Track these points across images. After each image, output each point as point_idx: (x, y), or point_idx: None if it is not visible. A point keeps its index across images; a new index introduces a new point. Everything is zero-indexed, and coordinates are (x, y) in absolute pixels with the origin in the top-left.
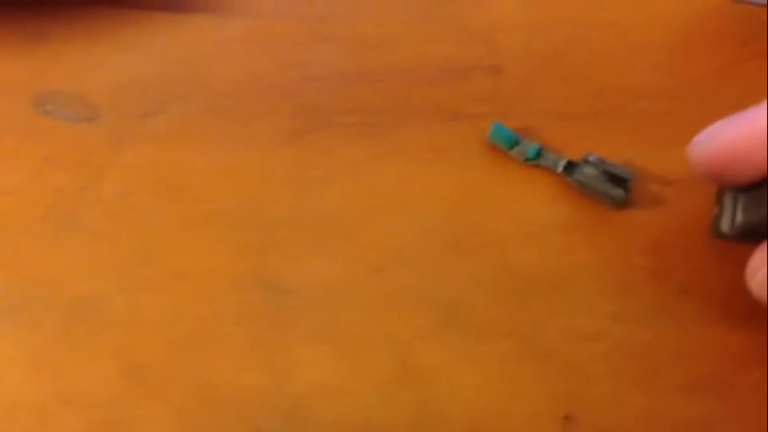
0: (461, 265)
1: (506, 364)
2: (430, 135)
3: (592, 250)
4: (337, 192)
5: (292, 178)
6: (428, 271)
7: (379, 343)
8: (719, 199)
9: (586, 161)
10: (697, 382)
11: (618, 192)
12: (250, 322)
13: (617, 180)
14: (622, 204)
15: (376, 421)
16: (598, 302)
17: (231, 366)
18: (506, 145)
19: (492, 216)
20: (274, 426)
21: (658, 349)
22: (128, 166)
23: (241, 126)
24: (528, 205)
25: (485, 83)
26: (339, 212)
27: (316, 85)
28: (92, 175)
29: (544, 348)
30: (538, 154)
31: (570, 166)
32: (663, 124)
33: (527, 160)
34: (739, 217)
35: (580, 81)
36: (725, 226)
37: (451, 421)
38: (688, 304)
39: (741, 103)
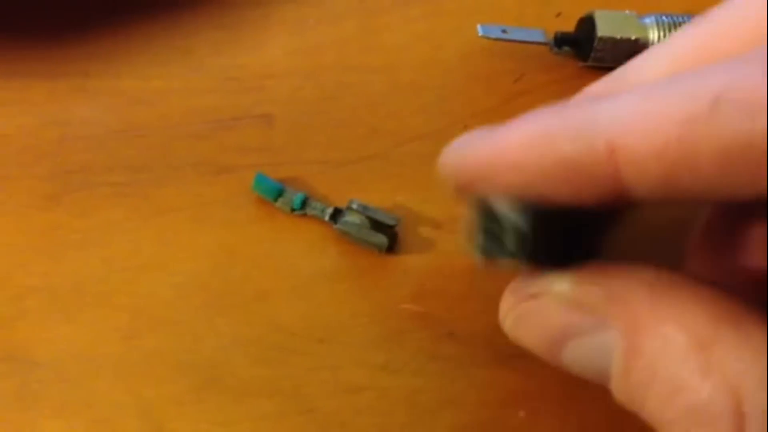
0: (221, 325)
1: (265, 424)
2: (193, 190)
3: (360, 298)
4: (95, 255)
5: (47, 244)
6: (186, 333)
7: (132, 412)
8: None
9: (349, 208)
10: (465, 426)
11: (380, 238)
12: None
13: (381, 226)
14: (386, 250)
15: None
16: (365, 353)
17: None
18: (270, 196)
19: (256, 271)
20: None
21: (426, 395)
22: None
23: None
24: (294, 256)
25: (254, 133)
26: (96, 277)
27: (75, 144)
28: None
29: (306, 404)
30: (304, 203)
31: (336, 214)
32: (432, 165)
33: (293, 210)
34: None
35: (350, 126)
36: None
37: None
38: (455, 348)
39: None
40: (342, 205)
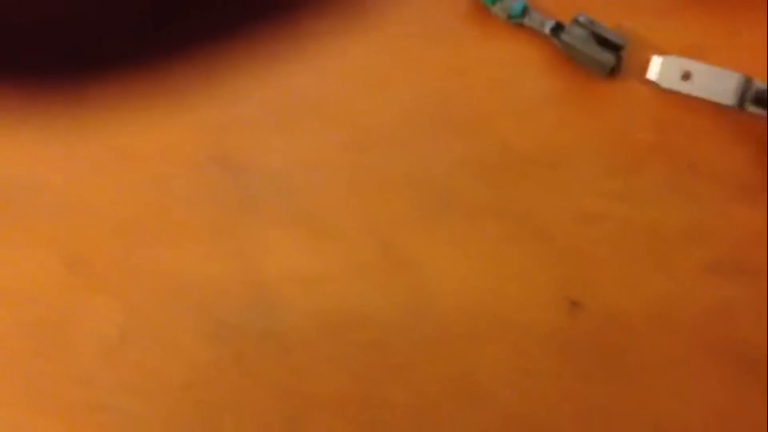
0: (447, 143)
1: (499, 247)
2: (415, 6)
3: (591, 124)
4: (310, 68)
5: (263, 54)
6: (411, 150)
7: (359, 227)
8: None
9: (575, 22)
10: (718, 264)
11: (606, 57)
12: (209, 205)
13: (609, 44)
14: (611, 71)
15: (357, 310)
16: (599, 180)
17: (187, 253)
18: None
19: (479, 89)
20: (238, 317)
21: (669, 229)
22: None
23: None
24: (517, 76)
25: None
26: (312, 89)
27: None
28: None
29: (542, 229)
30: (523, 11)
31: (557, 28)
32: None
33: (510, 18)
34: None
35: None
36: None
37: (442, 308)
38: (700, 181)
39: None
40: (564, 20)
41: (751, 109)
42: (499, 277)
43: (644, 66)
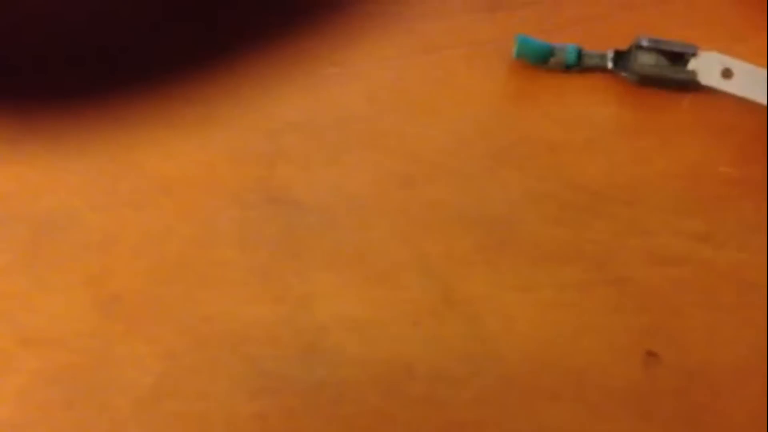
0: (508, 177)
1: (570, 293)
2: (467, 26)
3: (668, 156)
4: (357, 91)
5: (304, 76)
6: (469, 184)
7: (414, 268)
8: None
9: (639, 47)
10: None
11: (688, 73)
12: (255, 243)
13: (682, 58)
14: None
15: (413, 358)
16: (679, 219)
17: (230, 296)
18: (539, 60)
19: (545, 120)
20: (286, 367)
21: (757, 272)
22: None
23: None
24: (581, 106)
25: None
26: (359, 116)
27: None
28: None
29: (617, 273)
30: (579, 56)
31: (619, 57)
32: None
33: (568, 68)
34: None
35: None
36: None
37: (505, 359)
38: None
39: None
40: (622, 46)
41: None
42: (569, 325)
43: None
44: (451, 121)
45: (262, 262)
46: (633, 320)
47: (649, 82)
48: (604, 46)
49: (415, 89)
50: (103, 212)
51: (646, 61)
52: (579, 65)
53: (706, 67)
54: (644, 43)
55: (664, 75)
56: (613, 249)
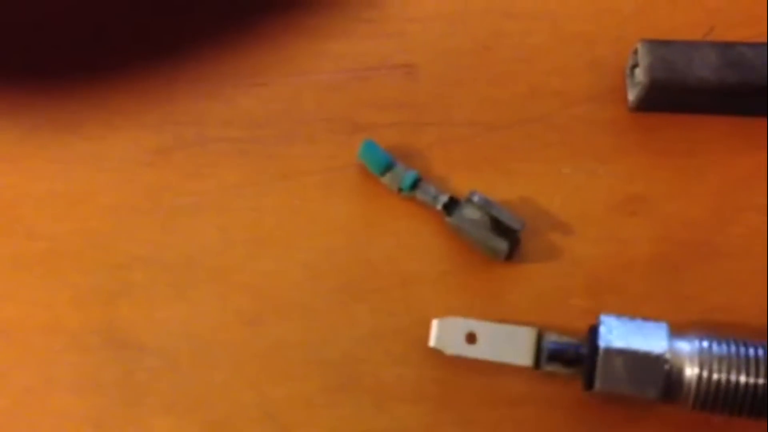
0: (359, 313)
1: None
2: (327, 150)
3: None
4: (209, 223)
5: (154, 208)
6: (317, 321)
7: (254, 413)
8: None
9: (469, 201)
10: None
11: (500, 244)
12: (93, 390)
13: (503, 228)
14: (506, 257)
15: None
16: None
17: None
18: (377, 169)
19: (399, 251)
20: None
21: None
22: None
23: (91, 141)
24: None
25: (394, 86)
26: (211, 249)
27: (186, 88)
28: None
29: (461, 415)
30: (415, 184)
31: (451, 204)
32: (603, 134)
33: (401, 191)
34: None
35: (505, 83)
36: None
37: None
38: None
39: None
40: (461, 193)
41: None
42: None
43: (549, 247)
44: (303, 251)
45: (99, 411)
46: None
47: (467, 238)
48: (462, 170)
49: (269, 219)
50: None
51: (470, 215)
52: (412, 192)
53: (446, 333)
54: (475, 199)
55: (478, 237)
56: (458, 388)
